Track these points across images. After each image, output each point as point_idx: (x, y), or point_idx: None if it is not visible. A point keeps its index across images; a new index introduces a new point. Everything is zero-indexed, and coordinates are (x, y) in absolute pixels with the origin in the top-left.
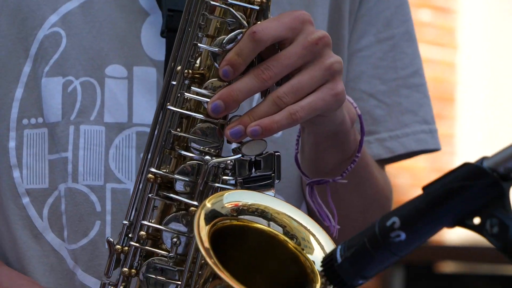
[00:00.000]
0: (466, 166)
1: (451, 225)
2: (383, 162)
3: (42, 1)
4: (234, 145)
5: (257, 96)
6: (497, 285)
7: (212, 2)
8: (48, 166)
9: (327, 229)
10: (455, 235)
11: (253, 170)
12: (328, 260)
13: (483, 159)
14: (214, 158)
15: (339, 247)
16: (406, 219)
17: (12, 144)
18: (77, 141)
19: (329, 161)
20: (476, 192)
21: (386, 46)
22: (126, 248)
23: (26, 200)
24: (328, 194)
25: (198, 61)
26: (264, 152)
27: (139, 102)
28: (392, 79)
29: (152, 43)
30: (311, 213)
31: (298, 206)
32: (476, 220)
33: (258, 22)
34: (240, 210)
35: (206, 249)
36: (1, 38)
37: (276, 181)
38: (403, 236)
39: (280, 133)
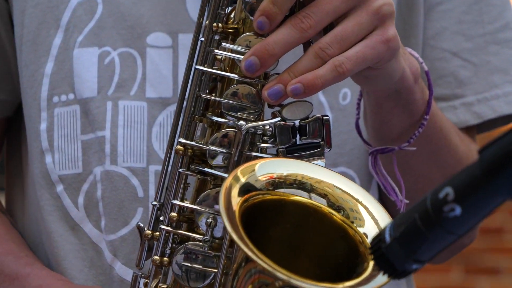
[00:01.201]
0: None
1: None
2: (472, 130)
3: None
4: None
5: (299, 50)
6: None
7: None
8: (81, 147)
9: (393, 204)
10: None
11: (298, 137)
12: (376, 241)
13: None
14: (249, 123)
15: (388, 225)
16: (461, 191)
17: (43, 126)
18: (116, 119)
19: (395, 126)
20: None
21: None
22: (157, 233)
23: (60, 188)
24: (395, 163)
25: (231, 14)
26: (310, 116)
27: (182, 74)
28: (479, 35)
29: (196, 8)
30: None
31: (371, 181)
32: None
33: None
34: (276, 184)
35: (234, 226)
36: (31, 7)
37: (327, 149)
38: (458, 210)
39: (348, 99)
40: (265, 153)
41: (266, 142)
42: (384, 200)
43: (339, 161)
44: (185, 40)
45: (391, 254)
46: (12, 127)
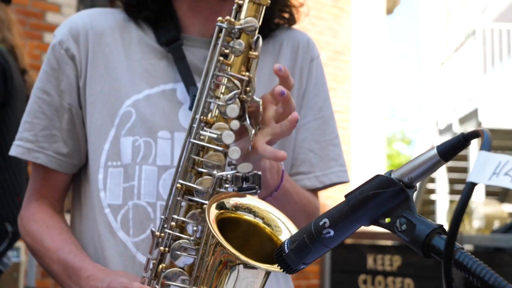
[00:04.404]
0: (378, 177)
1: (368, 223)
2: (317, 190)
3: (123, 93)
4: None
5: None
6: None
7: (218, 73)
8: (122, 190)
9: None
10: None
11: (244, 182)
12: (279, 251)
13: (391, 171)
14: (219, 172)
15: (286, 240)
16: (333, 220)
17: (100, 176)
18: (141, 175)
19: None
20: (387, 198)
21: (319, 122)
22: (163, 234)
23: (107, 210)
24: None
25: (209, 114)
26: (251, 171)
27: (176, 153)
28: (323, 141)
29: (185, 118)
30: None
31: None
32: (388, 220)
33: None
34: (237, 206)
35: (212, 225)
36: (97, 114)
37: (259, 191)
38: (332, 232)
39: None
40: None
41: (227, 184)
42: None
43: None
44: (177, 135)
45: (289, 259)
46: (75, 176)
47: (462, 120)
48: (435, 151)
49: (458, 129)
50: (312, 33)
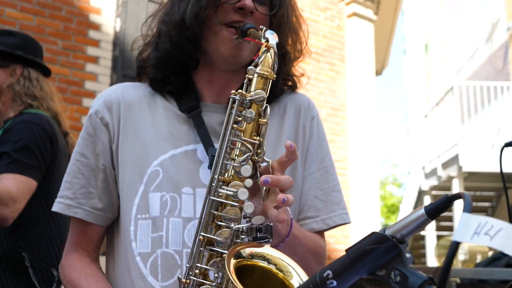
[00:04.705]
0: (374, 234)
1: (367, 275)
2: (323, 231)
3: (151, 155)
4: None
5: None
6: None
7: (233, 139)
8: (151, 240)
9: None
10: None
11: (257, 233)
12: None
13: (385, 228)
14: (236, 225)
15: None
16: (336, 271)
17: (131, 228)
18: (168, 226)
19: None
20: (382, 252)
21: (322, 172)
22: (188, 280)
23: (138, 258)
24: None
25: (226, 174)
26: (263, 223)
27: (198, 206)
28: (326, 188)
29: (205, 175)
30: None
31: None
32: (383, 272)
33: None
34: (253, 255)
35: (231, 274)
36: (128, 173)
37: (270, 239)
38: (335, 283)
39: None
40: (243, 241)
41: (244, 235)
42: None
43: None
44: (199, 191)
45: None
46: (108, 228)
47: (445, 165)
48: (423, 211)
49: (442, 173)
50: (312, 93)
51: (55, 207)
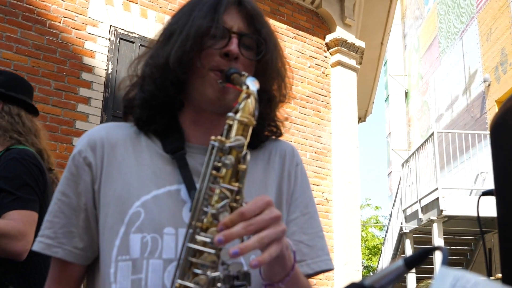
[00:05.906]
0: (354, 284)
1: None
2: (308, 276)
3: (133, 195)
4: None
5: None
6: None
7: (211, 185)
8: (130, 282)
9: None
10: None
11: (234, 280)
12: None
13: (365, 279)
14: (212, 271)
15: None
16: None
17: (112, 270)
18: (148, 268)
19: (277, 275)
20: None
21: (307, 217)
22: None
23: None
24: None
25: (205, 220)
26: (240, 270)
27: (180, 247)
28: (310, 233)
29: (187, 215)
30: None
31: None
32: None
33: (245, 205)
34: None
35: None
36: (110, 214)
37: (249, 287)
38: None
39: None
40: None
41: (219, 283)
42: None
43: None
44: (180, 231)
45: None
46: (89, 267)
47: (425, 209)
48: (402, 262)
49: (422, 216)
50: (298, 138)
51: (36, 246)
